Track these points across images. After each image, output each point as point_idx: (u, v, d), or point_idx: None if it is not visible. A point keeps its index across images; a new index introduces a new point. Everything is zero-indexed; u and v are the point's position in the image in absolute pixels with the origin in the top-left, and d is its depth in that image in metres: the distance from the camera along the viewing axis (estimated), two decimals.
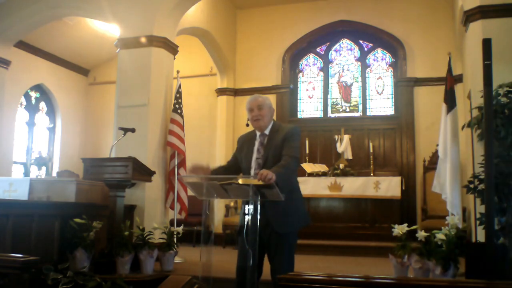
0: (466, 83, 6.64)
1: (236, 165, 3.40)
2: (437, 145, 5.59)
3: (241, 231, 3.02)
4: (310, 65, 9.25)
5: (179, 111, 6.09)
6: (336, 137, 8.37)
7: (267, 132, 3.30)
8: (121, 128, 5.38)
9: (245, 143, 3.42)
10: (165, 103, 6.12)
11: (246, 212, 2.93)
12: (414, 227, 4.44)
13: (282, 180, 2.88)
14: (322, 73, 9.15)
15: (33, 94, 9.14)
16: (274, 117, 3.52)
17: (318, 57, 9.21)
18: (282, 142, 3.17)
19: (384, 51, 8.84)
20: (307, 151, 8.37)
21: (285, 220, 3.10)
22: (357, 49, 9.03)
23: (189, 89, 8.71)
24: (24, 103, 8.92)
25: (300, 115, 9.10)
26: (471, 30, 4.97)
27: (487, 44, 3.55)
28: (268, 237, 3.10)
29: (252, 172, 3.17)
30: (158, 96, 6.04)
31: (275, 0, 8.96)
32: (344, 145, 8.24)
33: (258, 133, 3.35)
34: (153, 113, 5.95)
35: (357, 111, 8.84)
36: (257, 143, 3.31)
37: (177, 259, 5.44)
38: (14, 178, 7.17)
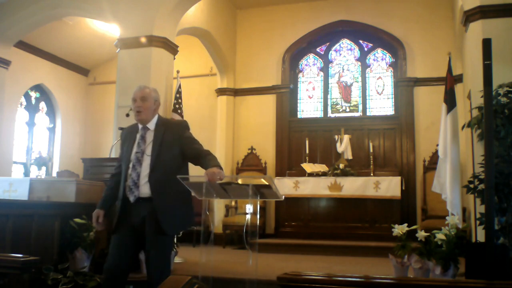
0: (466, 83, 6.64)
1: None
2: (437, 145, 5.59)
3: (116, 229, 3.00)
4: (310, 65, 9.25)
5: (179, 111, 6.10)
6: (336, 137, 8.37)
7: (151, 126, 3.11)
8: (121, 128, 5.37)
9: (128, 136, 3.19)
10: (165, 103, 6.12)
11: (247, 211, 2.94)
12: (414, 227, 4.44)
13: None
14: (322, 73, 9.14)
15: (33, 94, 9.14)
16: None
17: (318, 57, 9.21)
18: (179, 139, 3.06)
19: (384, 51, 8.84)
20: (307, 151, 8.38)
21: (175, 220, 2.99)
22: (357, 49, 9.03)
23: (189, 89, 8.71)
24: (24, 103, 8.92)
25: (300, 115, 9.10)
26: (471, 30, 4.97)
27: (487, 44, 3.55)
28: (143, 230, 2.96)
29: (131, 165, 3.00)
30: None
31: (275, 0, 8.96)
32: (344, 145, 8.24)
33: (140, 126, 3.14)
34: None
35: (357, 111, 8.84)
36: (138, 136, 3.10)
37: (177, 259, 5.44)
38: (14, 178, 7.16)
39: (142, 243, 2.99)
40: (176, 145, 3.05)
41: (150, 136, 3.07)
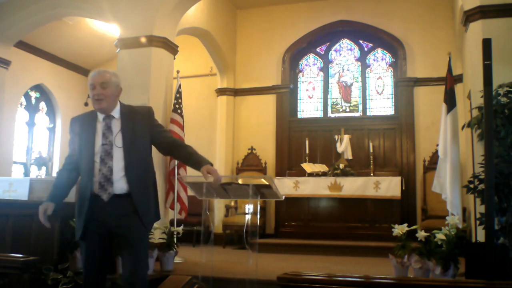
0: (466, 83, 6.64)
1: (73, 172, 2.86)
2: (437, 145, 5.59)
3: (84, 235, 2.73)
4: (310, 65, 9.25)
5: (179, 111, 6.09)
6: (336, 137, 8.37)
7: (115, 114, 2.79)
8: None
9: (84, 126, 2.81)
10: (165, 103, 6.12)
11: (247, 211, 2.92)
12: (414, 227, 4.44)
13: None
14: (322, 73, 9.14)
15: (33, 94, 9.14)
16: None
17: (318, 57, 9.21)
18: (150, 127, 2.83)
19: (384, 51, 8.84)
20: (307, 151, 8.38)
21: (151, 215, 2.80)
22: (357, 49, 9.03)
23: (189, 89, 8.71)
24: (24, 103, 8.92)
25: (300, 115, 9.10)
26: (471, 30, 4.97)
27: (487, 44, 3.55)
28: (123, 230, 2.70)
29: (98, 159, 2.69)
30: (158, 96, 6.04)
31: (275, 0, 8.96)
32: (344, 145, 8.24)
33: (101, 116, 2.79)
34: None
35: (357, 111, 8.84)
36: (100, 127, 2.76)
37: (177, 259, 5.44)
38: (14, 178, 7.16)
39: (115, 243, 2.78)
40: (146, 134, 2.81)
41: (116, 126, 2.76)
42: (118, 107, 2.81)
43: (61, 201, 2.87)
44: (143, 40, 6.03)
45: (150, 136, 2.82)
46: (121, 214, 2.67)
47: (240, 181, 2.83)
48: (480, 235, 4.29)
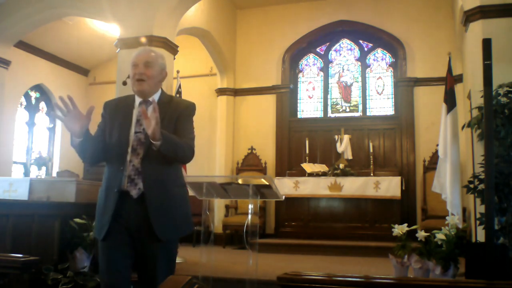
0: (466, 83, 6.64)
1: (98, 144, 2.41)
2: (437, 145, 5.59)
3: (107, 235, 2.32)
4: (310, 65, 9.25)
5: None
6: (336, 137, 8.37)
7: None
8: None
9: (119, 110, 2.47)
10: None
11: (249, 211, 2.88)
12: (414, 227, 4.45)
13: (168, 150, 2.24)
14: (322, 73, 9.14)
15: (33, 94, 9.14)
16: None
17: (318, 57, 9.21)
18: (177, 120, 2.41)
19: (384, 51, 8.84)
20: (307, 151, 8.38)
21: (170, 222, 2.34)
22: (357, 49, 9.03)
23: (189, 89, 8.70)
24: (24, 103, 8.92)
25: (300, 115, 9.09)
26: (471, 30, 4.97)
27: (487, 44, 3.55)
28: (141, 243, 2.33)
29: (130, 150, 2.34)
30: None
31: (275, 0, 8.96)
32: (344, 145, 8.24)
33: (138, 100, 2.46)
34: None
35: (357, 111, 8.84)
36: (136, 112, 2.43)
37: (177, 259, 5.43)
38: (14, 178, 7.17)
39: (139, 249, 2.35)
40: (171, 127, 2.39)
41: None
42: (158, 94, 2.51)
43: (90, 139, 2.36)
44: (143, 40, 6.03)
45: (173, 131, 2.38)
46: (145, 216, 2.30)
47: (240, 181, 2.83)
48: (480, 235, 4.29)
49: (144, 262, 2.32)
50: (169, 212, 2.33)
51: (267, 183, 3.11)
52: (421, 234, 4.20)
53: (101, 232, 2.32)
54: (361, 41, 8.99)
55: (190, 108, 2.51)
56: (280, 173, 8.49)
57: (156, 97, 2.46)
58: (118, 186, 2.31)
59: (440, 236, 4.06)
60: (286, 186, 7.70)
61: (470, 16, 4.92)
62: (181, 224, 2.42)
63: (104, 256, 2.33)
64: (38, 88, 9.19)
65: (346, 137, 8.29)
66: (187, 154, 2.37)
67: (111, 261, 2.30)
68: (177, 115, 2.42)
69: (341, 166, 7.93)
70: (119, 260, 2.30)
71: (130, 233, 2.32)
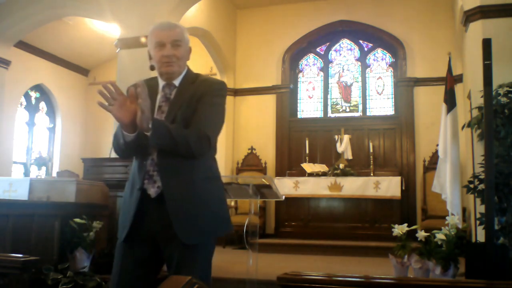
0: (466, 83, 6.64)
1: None
2: (437, 145, 5.59)
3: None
4: (310, 65, 9.25)
5: None
6: (336, 137, 8.37)
7: (177, 82, 2.12)
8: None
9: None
10: None
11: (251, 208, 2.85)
12: (414, 227, 4.45)
13: (160, 144, 1.91)
14: (322, 73, 9.14)
15: (33, 94, 9.14)
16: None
17: (318, 57, 9.21)
18: (199, 100, 2.03)
19: (384, 51, 8.84)
20: (307, 151, 8.38)
21: (196, 223, 1.99)
22: (357, 49, 9.03)
23: None
24: (24, 103, 8.92)
25: (300, 115, 9.09)
26: (471, 30, 4.97)
27: (487, 44, 3.55)
28: (168, 249, 2.00)
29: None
30: None
31: (275, 0, 8.96)
32: (344, 145, 8.25)
33: (162, 83, 2.12)
34: None
35: (357, 111, 8.84)
36: (159, 97, 2.09)
37: None
38: (14, 178, 7.16)
39: (167, 255, 2.02)
40: (192, 110, 2.02)
41: (174, 95, 2.09)
42: (183, 73, 2.16)
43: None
44: (143, 40, 6.04)
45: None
46: (170, 219, 1.96)
47: (240, 181, 2.83)
48: (480, 235, 4.29)
49: (176, 269, 1.97)
50: (193, 212, 1.98)
51: (267, 183, 3.11)
52: (421, 234, 4.20)
53: (122, 233, 2.04)
54: (361, 41, 8.99)
55: (213, 88, 2.09)
56: (280, 173, 8.49)
57: (180, 78, 2.12)
58: (140, 184, 2.00)
59: (440, 236, 4.06)
60: (286, 186, 7.70)
61: (470, 16, 4.92)
62: (211, 224, 2.06)
63: (118, 261, 2.06)
64: (38, 88, 9.19)
65: (346, 137, 8.29)
66: (196, 146, 1.97)
67: (123, 270, 2.02)
68: (198, 97, 2.03)
69: (341, 166, 7.93)
70: (132, 269, 2.01)
71: (154, 238, 2.01)
